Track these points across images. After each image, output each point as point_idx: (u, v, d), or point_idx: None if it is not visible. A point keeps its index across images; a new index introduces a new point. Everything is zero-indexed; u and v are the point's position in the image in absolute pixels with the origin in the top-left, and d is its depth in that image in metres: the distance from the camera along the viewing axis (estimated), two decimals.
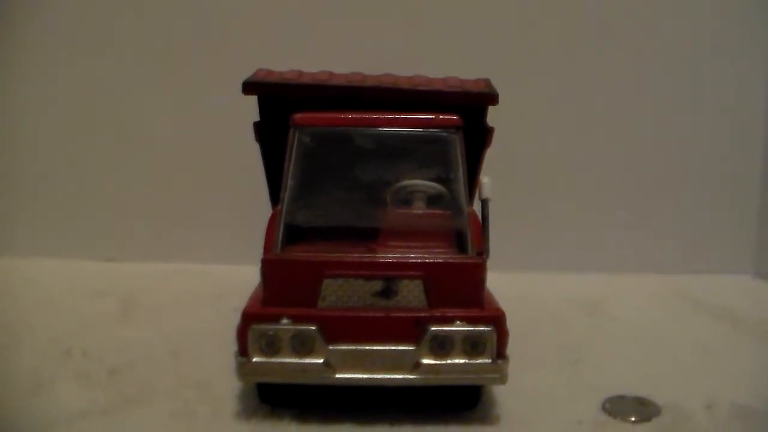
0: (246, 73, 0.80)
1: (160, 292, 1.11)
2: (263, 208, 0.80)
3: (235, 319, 0.66)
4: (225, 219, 1.25)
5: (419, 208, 0.71)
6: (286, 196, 0.68)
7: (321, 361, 0.65)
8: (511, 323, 0.67)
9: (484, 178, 0.72)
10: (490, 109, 0.80)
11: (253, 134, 0.80)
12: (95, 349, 0.86)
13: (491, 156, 0.83)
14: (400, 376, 0.65)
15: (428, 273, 0.66)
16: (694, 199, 1.31)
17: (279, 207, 0.69)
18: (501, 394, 0.74)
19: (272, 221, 0.70)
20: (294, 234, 0.68)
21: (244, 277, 0.77)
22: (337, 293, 0.66)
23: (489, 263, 0.69)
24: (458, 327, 0.65)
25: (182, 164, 1.29)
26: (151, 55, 1.27)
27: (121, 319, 1.00)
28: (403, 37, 1.23)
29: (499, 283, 0.75)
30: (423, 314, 0.66)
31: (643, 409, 0.74)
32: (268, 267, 0.67)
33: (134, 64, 1.27)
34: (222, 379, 0.75)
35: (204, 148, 1.27)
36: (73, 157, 1.30)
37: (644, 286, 1.20)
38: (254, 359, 0.65)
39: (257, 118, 0.80)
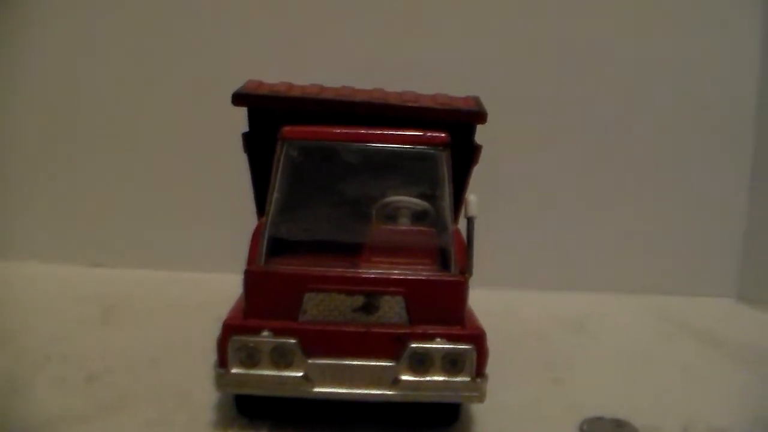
0: (237, 83, 0.80)
1: (144, 298, 1.10)
2: (251, 218, 0.80)
3: (218, 329, 0.66)
4: (213, 227, 1.25)
5: (404, 225, 0.72)
6: (271, 208, 0.68)
7: (300, 374, 0.65)
8: (494, 340, 0.68)
9: (471, 196, 0.72)
10: (479, 126, 0.80)
11: (242, 145, 0.80)
12: (75, 355, 0.85)
13: (478, 173, 0.83)
14: (379, 392, 0.65)
15: (410, 290, 0.66)
16: (679, 222, 1.32)
17: (264, 219, 0.69)
18: (480, 411, 0.74)
19: (257, 233, 0.70)
20: (278, 246, 0.68)
21: (231, 286, 0.76)
22: (319, 307, 0.66)
23: (474, 280, 0.69)
24: (438, 344, 0.65)
25: (172, 171, 1.29)
26: (142, 63, 1.27)
27: (104, 325, 1.00)
28: (394, 53, 1.23)
29: (483, 299, 0.75)
30: (403, 331, 0.66)
31: (621, 430, 0.74)
32: (250, 278, 0.67)
33: (125, 72, 1.27)
34: (201, 388, 0.75)
35: (193, 157, 1.27)
36: (61, 162, 1.29)
37: (628, 306, 1.21)
38: (233, 371, 0.65)
39: (247, 128, 0.80)
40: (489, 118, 0.78)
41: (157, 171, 1.29)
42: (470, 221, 0.69)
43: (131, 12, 1.27)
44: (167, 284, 1.18)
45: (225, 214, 1.19)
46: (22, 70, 1.27)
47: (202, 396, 0.74)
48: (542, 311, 1.15)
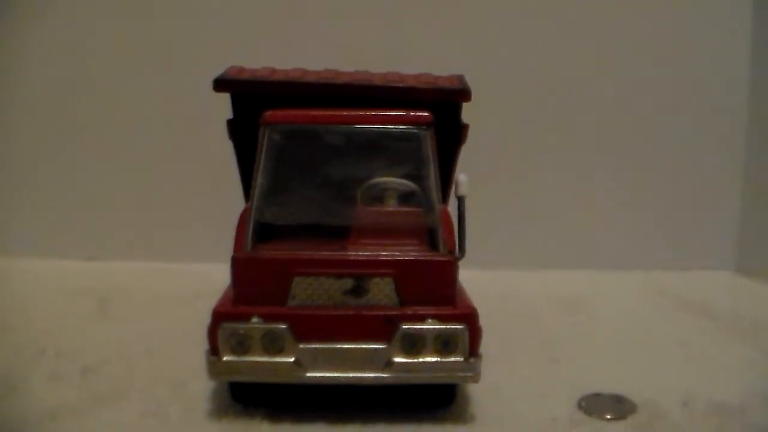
0: (220, 69, 0.79)
1: (139, 290, 1.11)
2: (242, 206, 0.79)
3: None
4: (206, 218, 1.24)
5: (391, 206, 0.71)
6: (255, 193, 0.68)
7: (292, 359, 0.65)
8: (491, 320, 0.67)
9: (461, 176, 0.71)
10: (472, 105, 0.79)
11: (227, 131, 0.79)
12: (70, 348, 0.85)
13: (474, 153, 0.82)
14: (372, 375, 0.65)
15: (399, 271, 0.65)
16: (675, 196, 1.31)
17: (249, 204, 0.68)
18: (477, 391, 0.73)
19: (242, 219, 0.69)
20: (265, 232, 0.68)
21: (225, 276, 0.76)
22: (308, 291, 0.66)
23: (469, 260, 0.68)
24: (430, 325, 0.65)
25: (163, 164, 1.29)
26: (129, 57, 1.27)
27: (99, 317, 1.00)
28: (377, 34, 1.23)
29: (480, 280, 0.75)
30: (394, 312, 0.65)
31: (620, 406, 0.73)
32: (237, 265, 0.66)
33: (113, 65, 1.27)
34: (196, 377, 0.75)
35: (183, 148, 1.27)
36: (54, 157, 1.29)
37: (625, 282, 1.21)
38: (225, 358, 0.65)
39: (232, 115, 0.79)
40: (481, 95, 0.77)
41: (148, 164, 1.29)
42: (461, 201, 0.68)
43: (117, 7, 1.26)
44: (161, 275, 1.18)
45: (217, 204, 1.18)
46: (18, 67, 1.27)
47: (197, 385, 0.74)
48: (538, 290, 1.15)
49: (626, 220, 1.31)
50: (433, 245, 0.68)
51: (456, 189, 0.70)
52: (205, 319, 0.67)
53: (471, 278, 0.71)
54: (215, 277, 0.82)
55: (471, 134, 0.81)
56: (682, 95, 1.30)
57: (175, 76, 1.26)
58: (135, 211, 1.29)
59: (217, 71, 0.79)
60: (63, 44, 1.27)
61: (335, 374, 0.65)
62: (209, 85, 0.78)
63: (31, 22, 1.26)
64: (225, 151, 0.83)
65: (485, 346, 0.67)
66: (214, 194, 1.21)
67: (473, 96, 0.77)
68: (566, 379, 0.80)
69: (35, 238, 1.28)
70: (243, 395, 0.70)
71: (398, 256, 0.66)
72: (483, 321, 0.66)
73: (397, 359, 0.65)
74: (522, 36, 1.27)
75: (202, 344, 0.67)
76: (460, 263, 0.68)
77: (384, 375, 0.65)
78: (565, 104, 1.29)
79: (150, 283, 1.15)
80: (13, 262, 1.21)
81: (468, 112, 0.80)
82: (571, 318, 1.04)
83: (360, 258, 0.66)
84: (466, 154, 0.82)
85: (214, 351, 0.65)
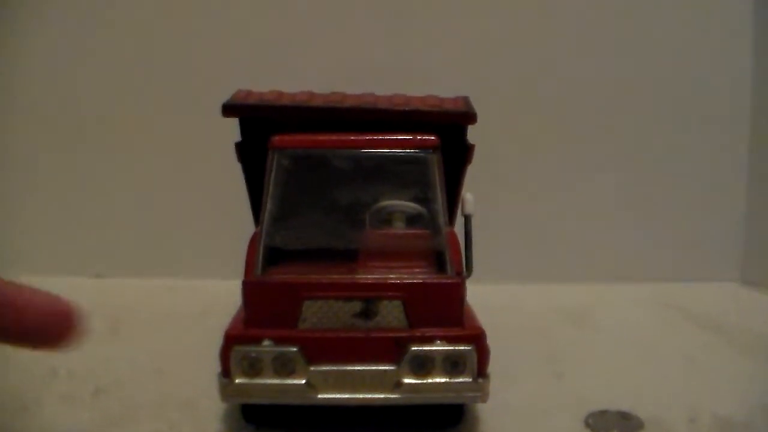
0: (230, 91, 0.80)
1: (147, 308, 1.11)
2: (249, 224, 0.80)
3: (221, 338, 0.66)
4: (212, 234, 1.25)
5: (398, 229, 0.72)
6: (265, 218, 0.69)
7: (303, 381, 0.65)
8: (496, 335, 0.68)
9: (467, 195, 0.72)
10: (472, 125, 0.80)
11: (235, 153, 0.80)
12: (81, 369, 0.86)
13: (476, 170, 0.83)
14: (382, 396, 0.66)
15: (408, 293, 0.66)
16: (680, 208, 1.32)
17: (259, 229, 0.69)
18: (484, 409, 0.74)
19: (253, 243, 0.70)
20: (274, 255, 0.69)
21: (232, 292, 0.77)
22: (318, 314, 0.66)
23: (474, 275, 0.69)
24: (438, 347, 0.66)
25: (170, 180, 1.29)
26: (137, 76, 1.28)
27: (108, 337, 1.00)
28: (384, 56, 1.23)
29: (485, 294, 0.75)
30: (403, 334, 0.66)
31: (626, 423, 0.74)
32: (248, 289, 0.67)
33: (121, 83, 1.28)
34: (207, 397, 0.75)
35: (191, 166, 1.28)
36: (60, 172, 1.30)
37: (630, 294, 1.21)
38: (237, 380, 0.66)
39: (240, 137, 0.80)
40: (483, 114, 0.78)
41: (156, 181, 1.30)
42: (467, 219, 0.69)
43: (127, 27, 1.27)
44: (168, 292, 1.19)
45: (223, 220, 1.20)
46: (21, 83, 1.28)
47: (209, 405, 0.75)
48: (543, 304, 1.15)
49: (630, 233, 1.31)
50: (440, 267, 0.69)
51: (462, 208, 0.71)
52: (214, 337, 0.67)
53: (475, 292, 0.72)
54: (221, 293, 0.82)
55: (475, 149, 0.82)
56: (685, 106, 1.30)
57: (183, 95, 1.27)
58: (140, 228, 1.30)
59: (226, 90, 0.80)
60: (73, 61, 1.28)
61: (346, 395, 0.66)
62: (216, 104, 0.79)
63: (44, 35, 1.27)
64: (233, 169, 0.84)
65: (491, 361, 0.67)
66: (221, 211, 1.23)
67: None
68: (572, 394, 0.80)
69: (41, 255, 1.28)
70: (255, 416, 0.71)
71: (407, 278, 0.67)
72: (487, 335, 0.67)
73: (407, 380, 0.65)
74: (525, 54, 1.28)
75: (212, 363, 0.68)
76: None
77: (393, 396, 0.66)
78: (567, 117, 1.30)
79: (157, 300, 1.15)
80: (20, 279, 1.21)
81: (471, 129, 0.81)
82: (576, 331, 1.05)
83: (369, 281, 0.67)
84: (470, 171, 0.83)
85: (226, 373, 0.66)
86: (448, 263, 0.68)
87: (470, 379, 0.66)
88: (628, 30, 1.29)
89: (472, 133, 0.81)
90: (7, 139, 1.29)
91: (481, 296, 0.74)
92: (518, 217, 1.28)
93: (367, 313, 0.66)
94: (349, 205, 0.70)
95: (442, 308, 0.67)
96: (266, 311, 0.66)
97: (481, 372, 0.66)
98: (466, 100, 0.81)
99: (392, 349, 0.65)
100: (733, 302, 1.21)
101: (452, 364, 0.66)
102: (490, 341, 0.67)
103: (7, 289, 0.52)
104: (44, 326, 0.54)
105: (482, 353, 0.66)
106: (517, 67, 1.28)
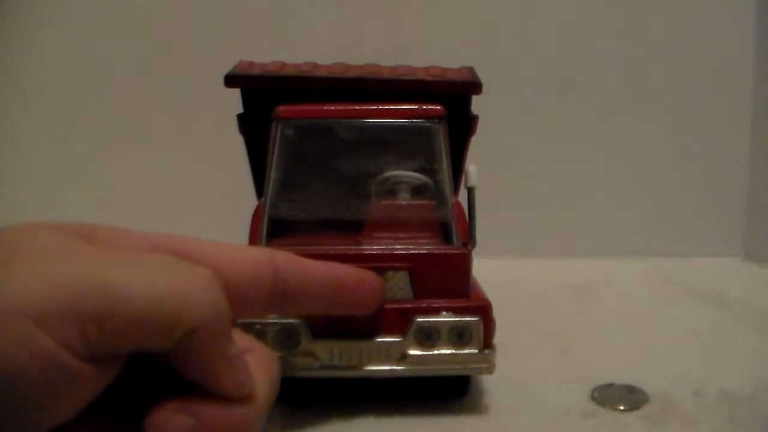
0: (230, 63, 0.79)
1: None
2: (252, 196, 0.79)
3: None
4: (215, 206, 1.24)
5: (404, 199, 0.71)
6: (269, 189, 0.68)
7: (308, 354, 0.65)
8: (500, 310, 0.67)
9: (470, 167, 0.71)
10: (476, 96, 0.79)
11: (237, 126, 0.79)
12: None
13: (480, 142, 0.82)
14: (387, 368, 0.65)
15: (414, 264, 0.66)
16: (682, 183, 1.31)
17: (262, 200, 0.68)
18: (489, 383, 0.74)
19: (256, 215, 0.69)
20: (278, 227, 0.68)
21: None
22: None
23: (478, 250, 0.68)
24: (444, 318, 0.65)
25: (172, 153, 1.29)
26: (134, 53, 1.26)
27: None
28: (387, 26, 1.22)
29: (488, 269, 0.74)
30: (409, 305, 0.66)
31: (632, 397, 0.74)
32: None
33: (117, 62, 1.27)
34: None
35: (192, 138, 1.27)
36: (57, 150, 1.29)
37: (634, 270, 1.20)
38: None
39: (242, 110, 0.79)
40: (487, 86, 0.77)
41: (157, 154, 1.29)
42: (471, 192, 0.68)
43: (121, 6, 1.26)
44: None
45: (225, 194, 1.19)
46: (17, 77, 1.27)
47: None
48: (547, 279, 1.14)
49: (633, 207, 1.31)
50: (446, 238, 0.68)
51: (466, 180, 0.70)
52: None
53: (478, 266, 0.71)
54: None
55: (478, 124, 0.81)
56: (688, 80, 1.29)
57: (181, 71, 1.26)
58: (142, 202, 1.29)
59: (225, 64, 0.79)
60: (70, 47, 1.27)
61: (351, 368, 0.65)
62: (217, 77, 0.78)
63: (41, 33, 1.26)
64: (236, 144, 0.84)
65: (496, 336, 0.67)
66: (223, 182, 1.22)
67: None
68: (578, 369, 0.80)
69: None
70: None
71: (413, 249, 0.66)
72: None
73: (412, 352, 0.65)
74: (530, 26, 1.27)
75: None
76: None
77: (399, 368, 0.65)
78: (570, 92, 1.29)
79: None
80: None
81: (474, 101, 0.80)
82: (580, 306, 1.04)
83: (375, 252, 0.66)
84: (473, 143, 0.82)
85: None
86: (454, 234, 0.68)
87: (476, 351, 0.65)
88: (634, 15, 1.28)
89: (476, 106, 0.80)
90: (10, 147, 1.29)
91: (482, 271, 0.73)
92: (521, 190, 1.28)
93: None
94: (354, 176, 0.69)
95: (449, 279, 0.66)
96: None
97: (488, 343, 0.66)
98: (471, 70, 0.80)
99: (398, 321, 0.65)
100: (736, 277, 1.21)
101: (458, 336, 0.65)
102: (494, 316, 0.67)
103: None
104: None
105: (488, 324, 0.66)
106: (521, 40, 1.26)
